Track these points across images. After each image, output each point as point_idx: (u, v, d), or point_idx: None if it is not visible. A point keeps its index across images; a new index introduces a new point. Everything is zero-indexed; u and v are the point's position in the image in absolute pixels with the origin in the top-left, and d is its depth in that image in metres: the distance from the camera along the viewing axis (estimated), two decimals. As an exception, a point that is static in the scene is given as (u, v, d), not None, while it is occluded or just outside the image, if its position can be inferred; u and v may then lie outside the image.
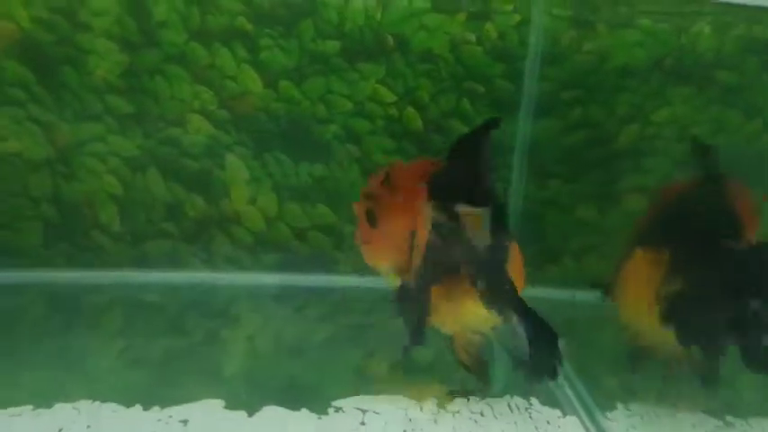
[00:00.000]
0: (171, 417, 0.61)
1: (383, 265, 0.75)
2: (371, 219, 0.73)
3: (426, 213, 0.68)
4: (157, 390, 0.69)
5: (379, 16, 0.89)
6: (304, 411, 0.63)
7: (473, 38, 0.90)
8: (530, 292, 0.91)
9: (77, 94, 0.88)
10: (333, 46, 0.89)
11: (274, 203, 0.94)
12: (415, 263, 0.70)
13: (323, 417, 0.63)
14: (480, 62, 0.91)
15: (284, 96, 0.90)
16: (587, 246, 0.96)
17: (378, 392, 0.70)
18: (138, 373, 0.73)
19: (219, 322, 0.86)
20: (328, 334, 0.86)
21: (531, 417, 0.65)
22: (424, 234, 0.70)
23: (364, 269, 0.78)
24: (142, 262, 0.93)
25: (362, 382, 0.76)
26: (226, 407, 0.64)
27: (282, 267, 0.95)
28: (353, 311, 0.92)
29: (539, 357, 0.61)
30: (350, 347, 0.84)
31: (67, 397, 0.64)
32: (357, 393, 0.68)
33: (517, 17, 0.90)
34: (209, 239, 0.94)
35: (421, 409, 0.65)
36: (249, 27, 0.88)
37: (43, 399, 0.64)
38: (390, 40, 0.90)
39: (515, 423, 0.65)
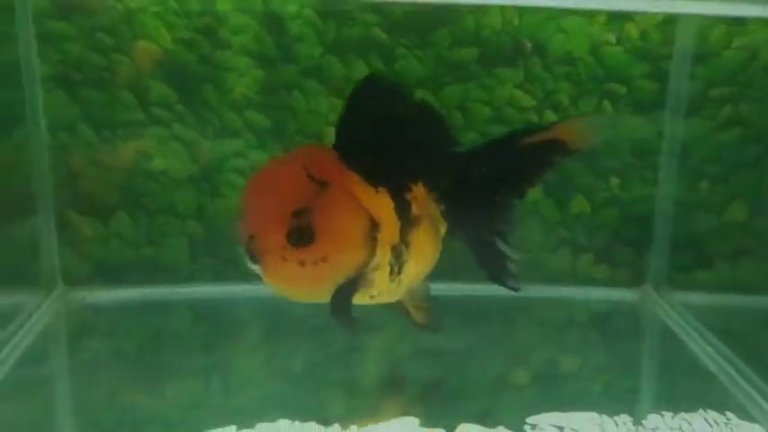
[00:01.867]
0: (373, 438, 0.62)
1: (335, 278, 0.64)
2: (305, 236, 0.60)
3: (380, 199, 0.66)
4: (321, 404, 0.71)
5: (516, 21, 0.88)
6: (500, 428, 0.63)
7: (613, 39, 0.88)
8: (680, 297, 0.91)
9: (218, 111, 0.89)
10: (469, 53, 0.89)
11: (411, 213, 0.94)
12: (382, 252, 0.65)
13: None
14: (621, 63, 0.89)
15: (420, 105, 0.90)
16: (740, 248, 0.93)
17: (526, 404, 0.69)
18: (292, 386, 0.75)
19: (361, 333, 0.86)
20: (468, 343, 0.85)
21: (732, 432, 0.64)
22: (390, 221, 0.66)
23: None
24: (284, 275, 0.94)
25: (511, 394, 0.76)
26: (421, 424, 0.64)
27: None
28: (494, 321, 0.92)
29: None
30: (491, 357, 0.83)
31: (262, 416, 0.65)
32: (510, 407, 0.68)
33: (659, 16, 0.88)
34: (347, 250, 0.95)
35: (617, 424, 0.64)
36: (384, 37, 0.88)
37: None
38: (528, 44, 0.89)
39: (719, 439, 0.64)
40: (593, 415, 0.66)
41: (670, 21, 0.88)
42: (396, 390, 0.76)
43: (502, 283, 0.76)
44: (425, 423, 0.64)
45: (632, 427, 0.65)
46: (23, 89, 0.84)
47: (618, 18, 0.88)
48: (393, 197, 0.68)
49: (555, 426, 0.65)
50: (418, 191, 0.70)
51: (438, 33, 0.88)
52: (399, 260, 0.68)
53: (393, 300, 0.73)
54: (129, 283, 0.91)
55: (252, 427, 0.64)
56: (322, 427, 0.64)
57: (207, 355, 0.82)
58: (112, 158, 0.89)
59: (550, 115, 0.90)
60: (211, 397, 0.74)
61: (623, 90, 0.90)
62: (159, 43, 0.87)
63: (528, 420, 0.65)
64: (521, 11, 0.88)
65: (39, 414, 0.70)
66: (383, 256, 0.66)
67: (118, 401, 0.72)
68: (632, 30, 0.88)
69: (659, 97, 0.90)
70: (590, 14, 0.88)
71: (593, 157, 0.91)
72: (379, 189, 0.67)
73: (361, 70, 0.88)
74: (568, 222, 0.93)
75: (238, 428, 0.64)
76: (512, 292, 0.76)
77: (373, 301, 0.70)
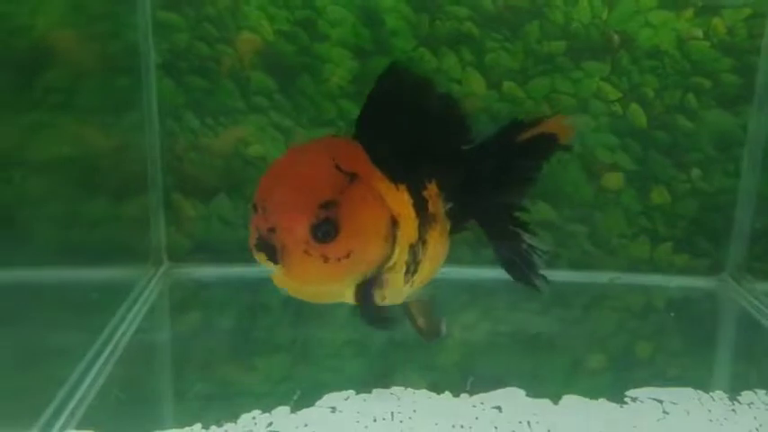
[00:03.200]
0: (482, 403, 0.66)
1: (356, 276, 0.62)
2: (329, 231, 0.57)
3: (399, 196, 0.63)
4: (412, 378, 0.74)
5: (605, 15, 0.91)
6: (602, 401, 0.67)
7: (700, 33, 0.91)
8: (759, 286, 0.93)
9: (313, 100, 0.94)
10: (558, 46, 0.92)
11: (495, 200, 0.97)
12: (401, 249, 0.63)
13: (624, 406, 0.67)
14: (707, 57, 0.91)
15: (507, 97, 0.93)
16: (822, 239, 0.95)
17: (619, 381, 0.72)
18: (379, 361, 0.79)
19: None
20: (544, 328, 0.88)
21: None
22: (409, 219, 0.64)
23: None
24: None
25: (603, 373, 0.78)
26: (528, 395, 0.68)
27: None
28: (571, 306, 0.95)
29: None
30: (567, 341, 0.86)
31: (374, 384, 0.70)
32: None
33: (747, 11, 0.90)
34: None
35: (713, 399, 0.67)
36: (476, 31, 0.92)
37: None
38: (616, 38, 0.92)
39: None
40: (689, 390, 0.70)
41: (758, 16, 0.90)
42: (488, 368, 0.80)
43: (529, 282, 0.73)
44: (530, 394, 0.68)
45: (728, 402, 0.68)
46: (141, 76, 0.90)
47: (705, 13, 0.90)
48: (411, 194, 0.65)
49: (654, 399, 0.68)
50: (432, 188, 0.69)
51: (528, 27, 0.92)
52: (416, 259, 0.66)
53: (399, 302, 0.71)
54: (227, 262, 0.96)
55: (368, 392, 0.68)
56: (433, 393, 0.68)
57: (296, 330, 0.87)
58: (214, 144, 0.94)
59: (635, 108, 0.92)
60: (300, 370, 0.78)
61: (708, 84, 0.92)
62: (261, 34, 0.92)
63: (627, 393, 0.69)
64: (610, 4, 0.91)
65: (150, 379, 0.76)
66: (401, 255, 0.64)
67: (214, 371, 0.77)
68: (719, 25, 0.90)
69: (744, 91, 0.92)
70: (677, 9, 0.91)
71: (676, 150, 0.94)
72: (399, 185, 0.64)
73: (451, 62, 0.92)
74: (649, 212, 0.96)
75: (357, 392, 0.68)
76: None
77: (383, 303, 0.67)
